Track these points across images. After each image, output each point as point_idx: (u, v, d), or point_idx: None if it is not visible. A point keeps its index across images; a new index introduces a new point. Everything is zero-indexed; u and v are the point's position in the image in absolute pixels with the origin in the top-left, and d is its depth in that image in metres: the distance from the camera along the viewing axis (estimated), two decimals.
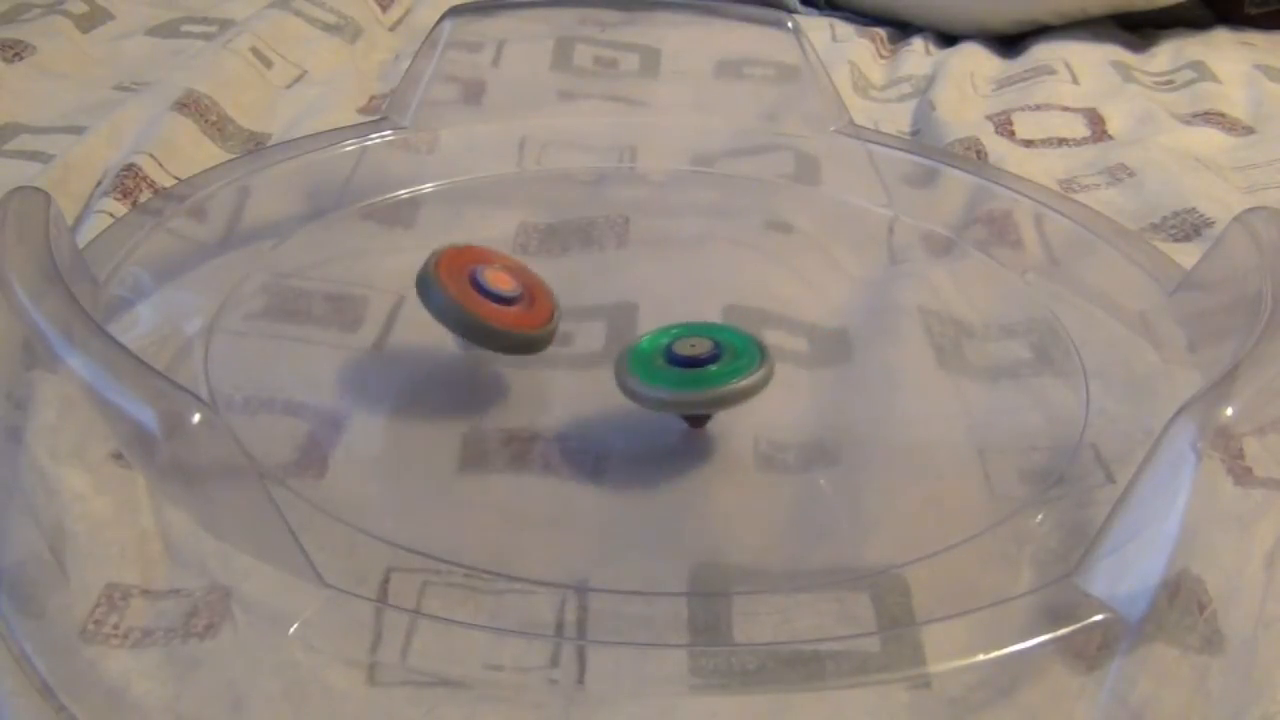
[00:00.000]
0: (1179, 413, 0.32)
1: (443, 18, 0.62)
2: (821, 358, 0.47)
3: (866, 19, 0.92)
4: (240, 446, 0.31)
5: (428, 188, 0.58)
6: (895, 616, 0.34)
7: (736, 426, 0.42)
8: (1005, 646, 0.30)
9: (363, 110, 0.69)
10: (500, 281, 0.42)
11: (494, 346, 0.42)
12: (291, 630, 0.30)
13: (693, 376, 0.39)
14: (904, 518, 0.39)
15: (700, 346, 0.40)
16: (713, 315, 0.48)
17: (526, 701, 0.31)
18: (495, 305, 0.41)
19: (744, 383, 0.39)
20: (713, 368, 0.39)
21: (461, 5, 0.63)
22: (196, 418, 0.30)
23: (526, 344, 0.42)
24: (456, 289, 0.41)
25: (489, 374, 0.44)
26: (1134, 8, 0.86)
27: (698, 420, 0.41)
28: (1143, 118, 0.69)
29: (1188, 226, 0.57)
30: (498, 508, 0.39)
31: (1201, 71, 0.77)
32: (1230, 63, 0.79)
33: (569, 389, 0.44)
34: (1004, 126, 0.68)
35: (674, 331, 0.41)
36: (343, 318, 0.48)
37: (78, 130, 0.61)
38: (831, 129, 0.62)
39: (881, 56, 0.85)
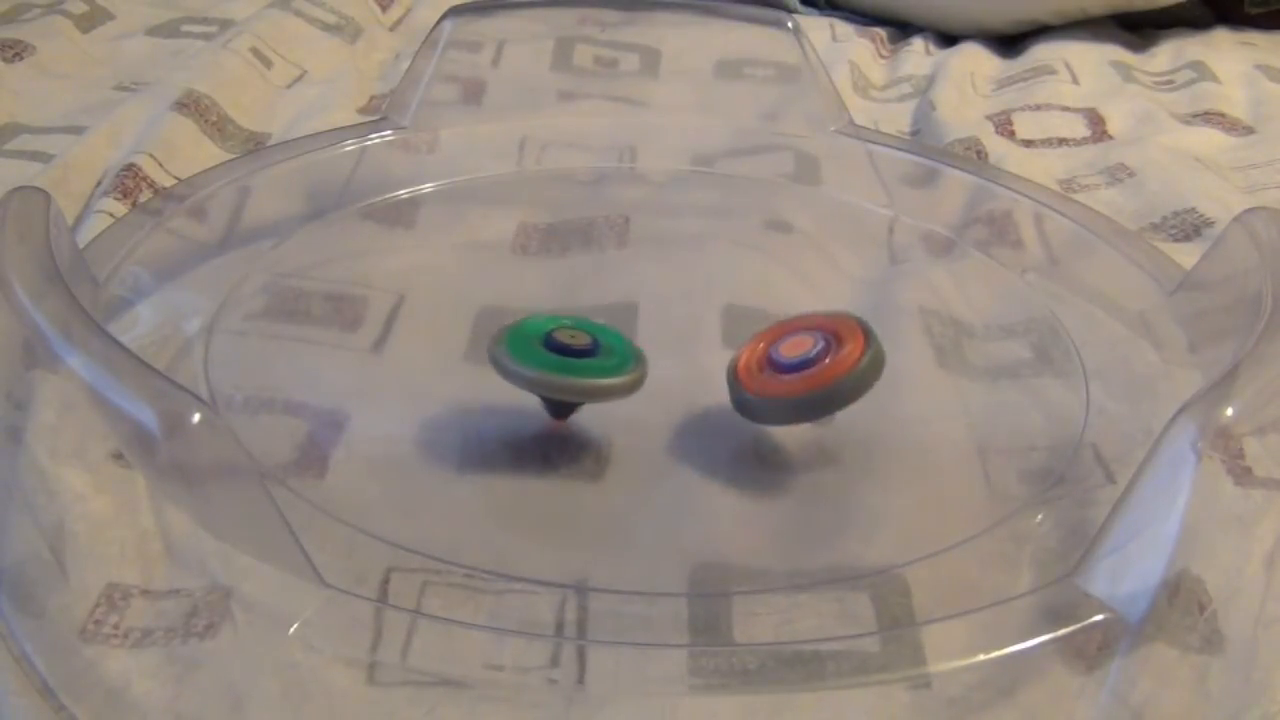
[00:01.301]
0: (1179, 413, 0.32)
1: (443, 18, 0.62)
2: None
3: (866, 19, 0.92)
4: (240, 446, 0.31)
5: (428, 188, 0.58)
6: (895, 616, 0.34)
7: (736, 425, 0.42)
8: (1005, 646, 0.30)
9: (363, 110, 0.69)
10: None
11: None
12: (291, 630, 0.30)
13: (563, 364, 0.39)
14: (904, 518, 0.39)
15: (579, 339, 0.40)
16: (713, 315, 0.48)
17: (526, 701, 0.31)
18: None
19: (609, 381, 0.39)
20: (584, 361, 0.39)
21: (461, 5, 0.63)
22: (196, 418, 0.30)
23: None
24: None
25: (488, 374, 0.44)
26: (1134, 8, 0.86)
27: (560, 410, 0.41)
28: (1143, 118, 0.69)
29: (1188, 226, 0.57)
30: (498, 508, 0.39)
31: (1201, 71, 0.77)
32: (1230, 63, 0.79)
33: None
34: (1004, 126, 0.68)
35: (562, 321, 0.41)
36: (343, 318, 0.48)
37: (78, 130, 0.61)
38: (831, 129, 0.62)
39: (881, 56, 0.85)
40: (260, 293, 0.49)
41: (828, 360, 0.39)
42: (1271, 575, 0.34)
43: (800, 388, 0.39)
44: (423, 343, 0.47)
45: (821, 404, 0.39)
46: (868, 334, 0.39)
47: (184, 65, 0.69)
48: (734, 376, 0.40)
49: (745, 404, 0.40)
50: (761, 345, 0.41)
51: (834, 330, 0.40)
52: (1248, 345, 0.36)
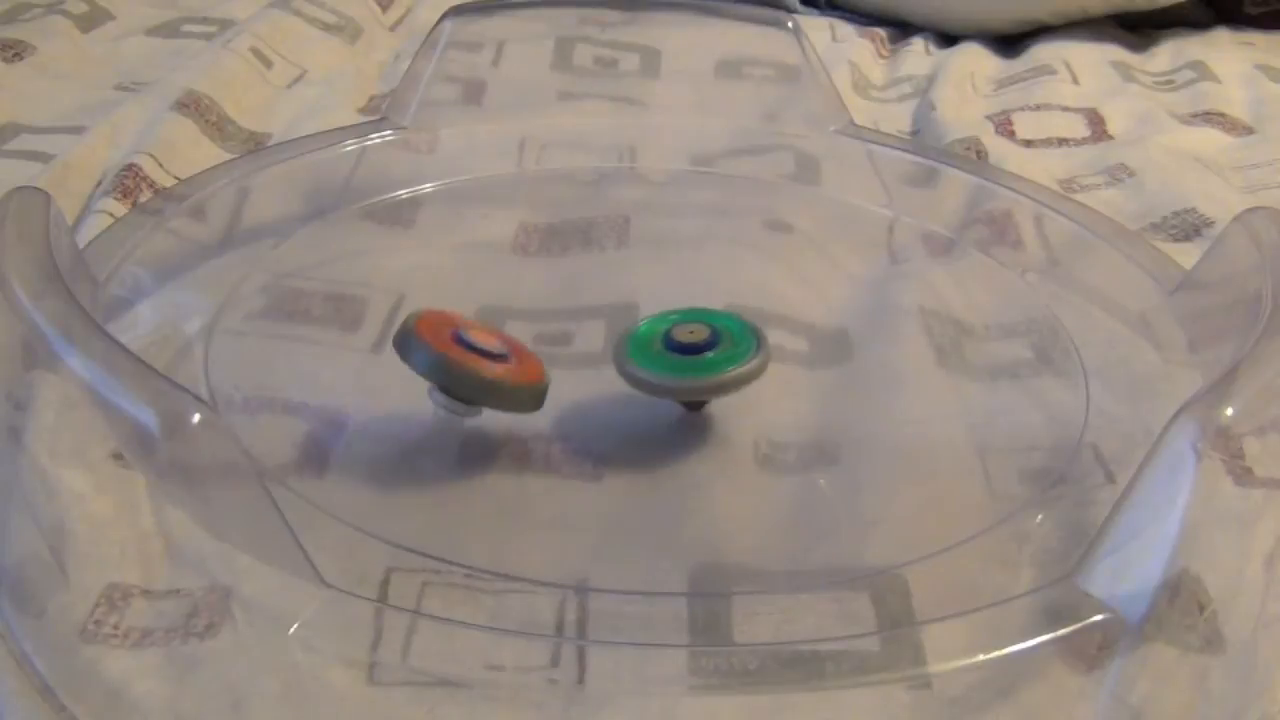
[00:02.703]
0: (1179, 413, 0.32)
1: (443, 18, 0.62)
2: (821, 358, 0.47)
3: (866, 19, 0.92)
4: (240, 446, 0.31)
5: (428, 188, 0.58)
6: (895, 616, 0.34)
7: (736, 426, 0.42)
8: (1005, 646, 0.30)
9: (363, 110, 0.69)
10: (486, 339, 0.40)
11: (489, 401, 0.40)
12: (291, 630, 0.30)
13: (690, 363, 0.40)
14: (904, 518, 0.39)
15: (698, 333, 0.40)
16: None
17: (526, 701, 0.31)
18: (485, 360, 0.39)
19: (741, 369, 0.39)
20: (710, 354, 0.40)
21: (461, 5, 0.63)
22: (196, 418, 0.30)
23: (522, 396, 0.40)
24: (441, 345, 0.39)
25: None
26: (1134, 8, 0.86)
27: (695, 405, 0.41)
28: (1143, 118, 0.69)
29: (1188, 226, 0.57)
30: (498, 508, 0.39)
31: (1201, 71, 0.77)
32: (1230, 63, 0.79)
33: (569, 389, 0.44)
34: (1004, 126, 0.68)
35: (673, 317, 0.41)
36: (343, 318, 0.48)
37: (78, 130, 0.61)
38: (831, 129, 0.62)
39: (881, 56, 0.85)
40: (260, 293, 0.49)
41: (513, 365, 0.40)
42: (1271, 575, 0.34)
43: (486, 368, 0.39)
44: None
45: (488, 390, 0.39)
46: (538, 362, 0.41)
47: (184, 65, 0.69)
48: (414, 328, 0.40)
49: (427, 359, 0.39)
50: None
51: (515, 348, 0.41)
52: (1248, 345, 0.36)
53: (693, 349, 0.40)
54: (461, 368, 0.39)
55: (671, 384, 0.40)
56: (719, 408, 0.42)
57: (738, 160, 0.63)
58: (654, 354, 0.40)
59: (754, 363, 0.40)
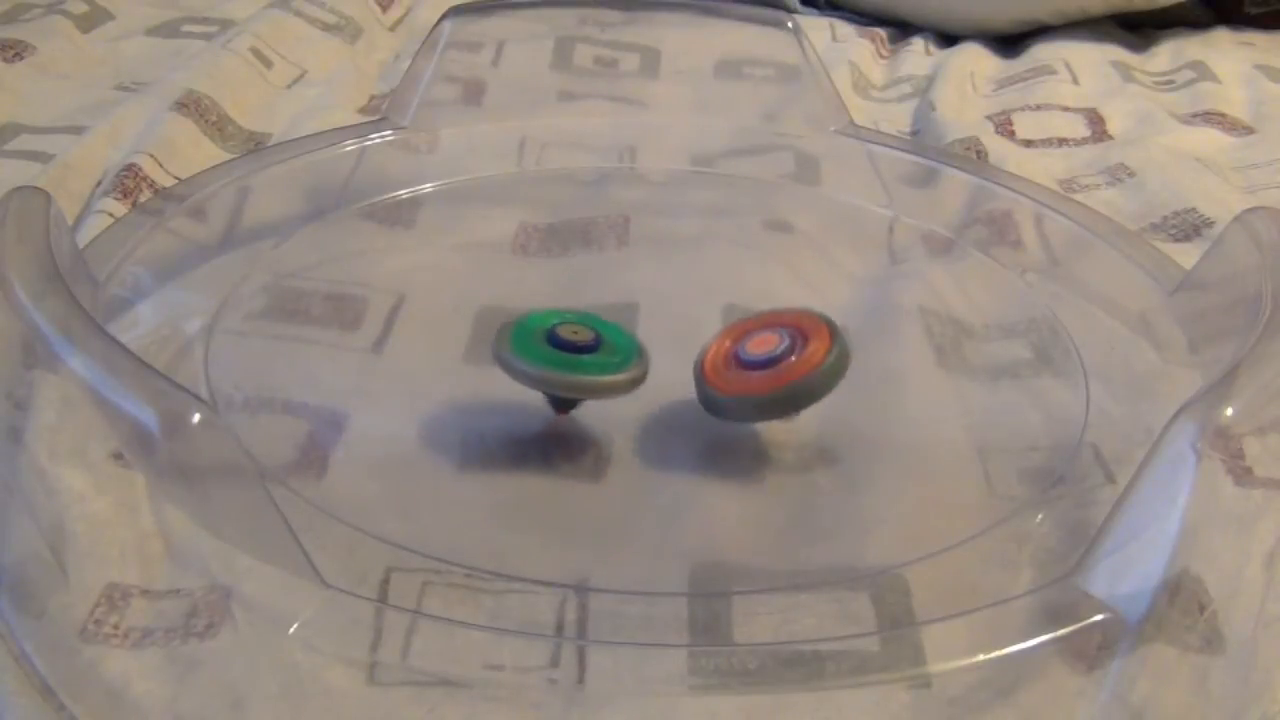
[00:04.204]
0: (1179, 413, 0.32)
1: (443, 18, 0.61)
2: None
3: (866, 19, 0.92)
4: (240, 446, 0.31)
5: (428, 188, 0.58)
6: (895, 616, 0.34)
7: (737, 425, 0.42)
8: (1005, 646, 0.30)
9: (363, 110, 0.69)
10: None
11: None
12: (291, 630, 0.30)
13: (566, 360, 0.39)
14: (904, 518, 0.39)
15: (582, 335, 0.40)
16: (713, 315, 0.48)
17: (526, 701, 0.31)
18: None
19: (611, 378, 0.39)
20: (587, 357, 0.39)
21: (461, 5, 0.63)
22: (196, 418, 0.30)
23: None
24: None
25: (488, 374, 0.44)
26: (1134, 8, 0.86)
27: (562, 405, 0.41)
28: (1143, 118, 0.69)
29: (1188, 226, 0.57)
30: (498, 508, 0.39)
31: (1201, 71, 0.77)
32: (1230, 63, 0.79)
33: None
34: (1004, 126, 0.68)
35: (565, 316, 0.41)
36: (343, 318, 0.48)
37: (78, 130, 0.61)
38: (831, 129, 0.62)
39: (881, 56, 0.85)
40: (260, 293, 0.49)
41: (793, 358, 0.39)
42: (1271, 575, 0.34)
43: (766, 385, 0.39)
44: (423, 343, 0.47)
45: (787, 402, 0.39)
46: (833, 332, 0.39)
47: (184, 65, 0.69)
48: (700, 373, 0.40)
49: (712, 401, 0.40)
50: (728, 342, 0.41)
51: (799, 327, 0.40)
52: (1248, 345, 0.36)
53: (573, 347, 0.39)
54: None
55: (541, 376, 0.39)
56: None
57: (738, 160, 0.63)
58: (533, 345, 0.39)
59: (627, 374, 0.39)
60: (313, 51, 0.75)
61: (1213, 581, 0.33)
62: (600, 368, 0.39)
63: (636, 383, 0.40)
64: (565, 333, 0.40)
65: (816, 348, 0.39)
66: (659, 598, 0.34)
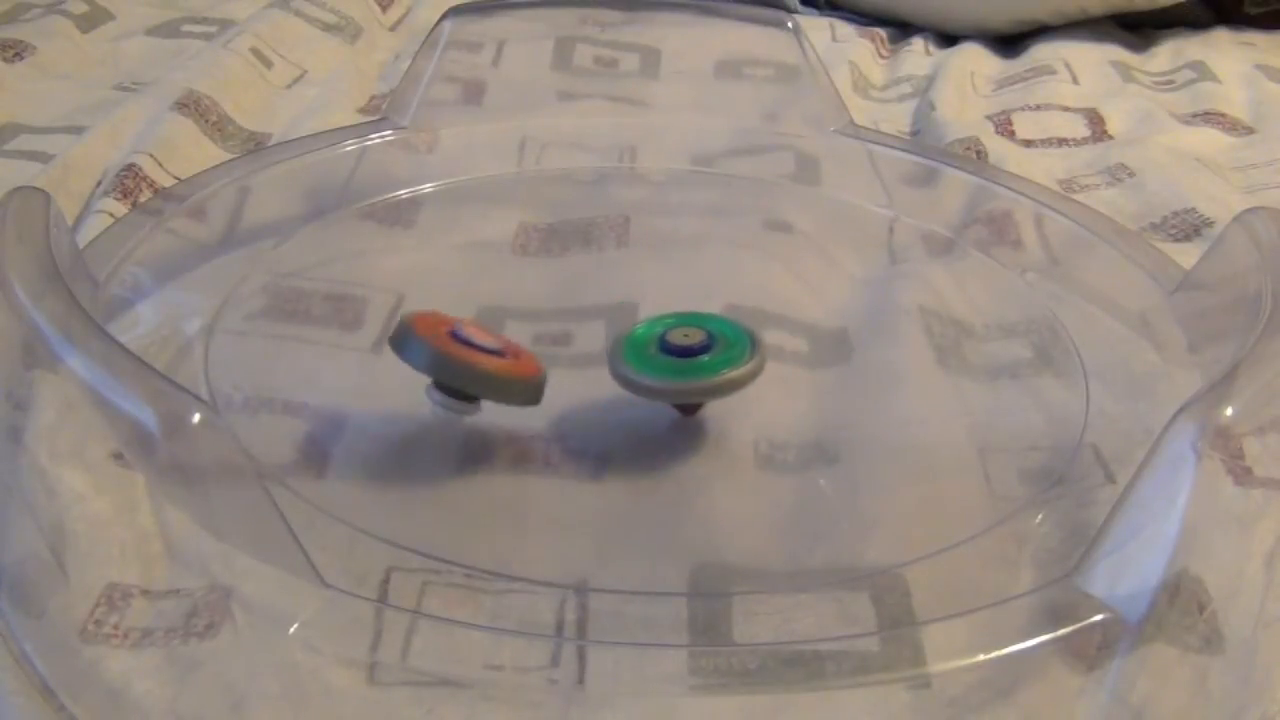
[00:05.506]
0: (1179, 413, 0.32)
1: (443, 18, 0.62)
2: (821, 358, 0.47)
3: (866, 19, 0.92)
4: (240, 446, 0.31)
5: (428, 188, 0.58)
6: (895, 616, 0.34)
7: (736, 426, 0.42)
8: (1005, 646, 0.30)
9: (363, 110, 0.69)
10: (482, 336, 0.40)
11: (487, 394, 0.40)
12: (291, 630, 0.30)
13: (685, 366, 0.39)
14: (904, 518, 0.39)
15: (693, 336, 0.40)
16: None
17: (526, 701, 0.31)
18: (482, 354, 0.40)
19: (735, 373, 0.39)
20: (705, 358, 0.40)
21: (461, 5, 0.63)
22: (196, 418, 0.30)
23: (520, 388, 0.40)
24: (437, 341, 0.39)
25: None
26: (1134, 8, 0.86)
27: (689, 409, 0.41)
28: (1143, 118, 0.69)
29: (1188, 226, 0.57)
30: (498, 508, 0.39)
31: (1201, 71, 0.77)
32: (1230, 63, 0.79)
33: (569, 389, 0.44)
34: (1004, 126, 0.68)
35: (668, 321, 0.41)
36: (343, 318, 0.48)
37: (78, 130, 0.61)
38: (831, 129, 0.62)
39: (881, 56, 0.85)
40: (260, 293, 0.49)
41: (509, 360, 0.40)
42: (1271, 575, 0.34)
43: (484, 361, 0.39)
44: None
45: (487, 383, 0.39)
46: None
47: (184, 65, 0.69)
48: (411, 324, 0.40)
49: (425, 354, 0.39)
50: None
51: (509, 345, 0.41)
52: (1248, 345, 0.36)
53: (687, 352, 0.40)
54: (459, 361, 0.39)
55: (665, 387, 0.40)
56: (718, 409, 0.42)
57: (738, 160, 0.63)
58: (649, 357, 0.40)
59: (748, 366, 0.40)
60: (313, 51, 0.75)
61: (1212, 581, 0.33)
62: (721, 365, 0.39)
63: (758, 371, 0.40)
64: (677, 338, 0.40)
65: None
66: (659, 598, 0.34)
